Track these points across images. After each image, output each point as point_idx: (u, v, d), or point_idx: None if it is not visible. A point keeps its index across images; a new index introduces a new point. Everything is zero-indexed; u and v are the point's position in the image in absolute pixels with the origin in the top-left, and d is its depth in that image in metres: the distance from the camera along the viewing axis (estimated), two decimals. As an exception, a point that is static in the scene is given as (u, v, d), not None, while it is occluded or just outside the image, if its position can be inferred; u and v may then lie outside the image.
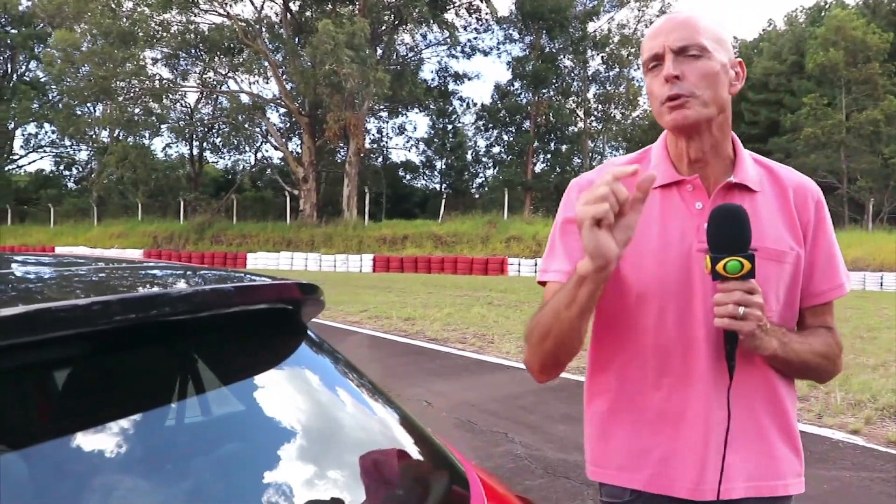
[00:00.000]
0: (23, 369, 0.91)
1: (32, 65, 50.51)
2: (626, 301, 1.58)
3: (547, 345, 1.53)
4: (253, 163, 47.69)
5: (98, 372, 1.02)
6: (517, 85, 44.46)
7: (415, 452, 1.27)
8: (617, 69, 42.63)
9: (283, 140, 42.71)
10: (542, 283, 1.68)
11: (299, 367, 1.25)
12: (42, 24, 46.39)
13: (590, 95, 44.85)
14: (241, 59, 40.50)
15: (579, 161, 43.11)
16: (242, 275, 1.32)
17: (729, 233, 1.41)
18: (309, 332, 1.32)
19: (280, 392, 1.20)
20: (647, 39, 1.56)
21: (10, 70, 50.14)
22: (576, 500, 4.17)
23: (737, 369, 1.49)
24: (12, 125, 48.28)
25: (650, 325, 1.56)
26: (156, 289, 1.16)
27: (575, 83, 44.41)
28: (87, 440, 0.93)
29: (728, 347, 1.46)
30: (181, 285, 1.18)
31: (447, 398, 6.75)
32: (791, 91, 44.22)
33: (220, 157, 49.90)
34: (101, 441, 0.93)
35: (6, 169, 49.01)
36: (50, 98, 48.45)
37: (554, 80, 43.26)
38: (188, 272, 1.37)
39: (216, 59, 40.95)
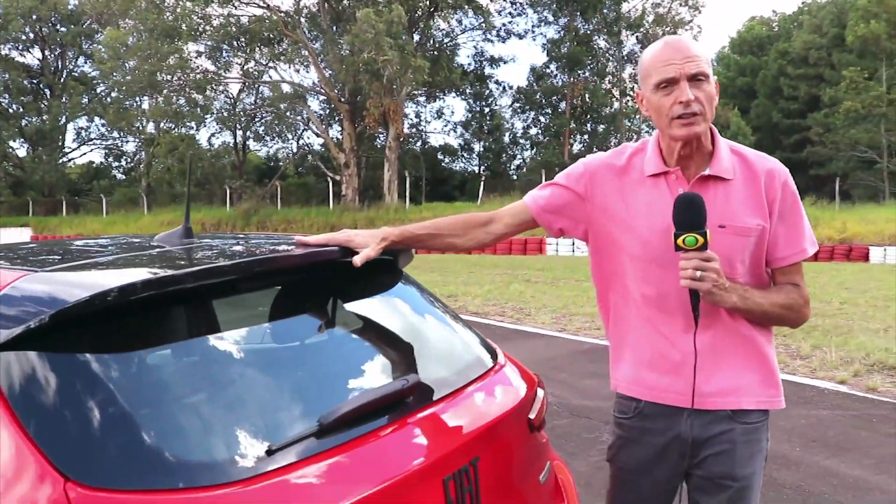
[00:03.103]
0: (215, 296, 1.70)
1: (81, 61, 52.05)
2: (620, 262, 2.02)
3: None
4: (295, 150, 48.81)
5: (288, 298, 1.93)
6: (553, 67, 44.80)
7: (470, 341, 2.19)
8: (652, 48, 42.77)
9: (324, 127, 43.69)
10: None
11: (397, 297, 2.11)
12: (90, 22, 47.80)
13: (625, 75, 44.99)
14: (281, 49, 41.45)
15: (616, 141, 43.40)
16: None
17: (687, 215, 1.79)
18: (403, 274, 2.19)
19: (385, 311, 2.11)
20: (659, 64, 1.86)
21: (60, 67, 51.67)
22: (594, 433, 5.09)
23: (706, 317, 1.89)
24: (64, 120, 49.84)
25: (638, 282, 1.98)
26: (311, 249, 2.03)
27: (610, 63, 44.64)
28: (253, 344, 1.85)
29: (693, 302, 1.85)
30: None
31: (488, 361, 7.67)
32: (831, 65, 43.73)
33: (264, 145, 51.10)
34: (269, 343, 1.85)
35: (59, 162, 50.73)
36: (98, 93, 50.00)
37: (589, 62, 43.50)
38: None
39: (257, 49, 41.97)
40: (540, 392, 2.18)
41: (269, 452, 1.36)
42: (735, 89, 49.96)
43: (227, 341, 1.64)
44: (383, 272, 2.10)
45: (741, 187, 1.93)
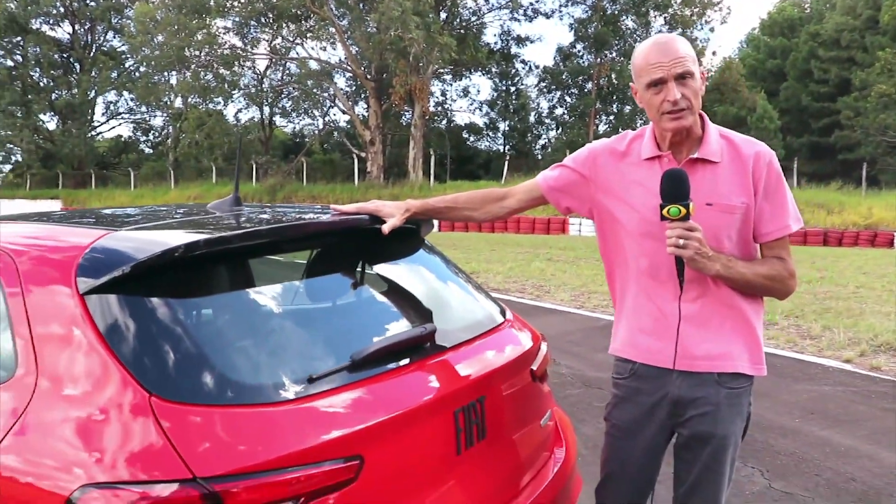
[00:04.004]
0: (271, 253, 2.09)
1: (110, 35, 52.52)
2: (619, 237, 2.23)
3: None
4: (321, 126, 49.12)
5: (326, 258, 2.22)
6: (579, 47, 44.68)
7: (482, 300, 2.47)
8: (680, 29, 42.35)
9: (350, 104, 43.95)
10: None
11: (419, 260, 2.40)
12: (120, -4, 48.39)
13: (653, 56, 44.68)
14: (308, 26, 41.63)
15: (642, 122, 43.22)
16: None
17: (671, 188, 1.97)
18: (425, 241, 2.48)
19: (408, 272, 2.39)
20: (647, 66, 2.05)
21: (90, 41, 52.17)
22: (604, 402, 5.37)
23: (697, 286, 2.09)
24: (93, 94, 50.43)
25: (635, 254, 2.19)
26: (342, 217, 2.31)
27: (638, 43, 44.36)
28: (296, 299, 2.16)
29: (678, 268, 2.05)
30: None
31: (506, 335, 7.97)
32: (864, 47, 43.02)
33: (290, 122, 51.47)
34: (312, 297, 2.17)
35: (88, 135, 51.44)
36: (127, 67, 50.55)
37: (616, 42, 43.27)
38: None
39: (284, 26, 42.19)
40: (543, 347, 2.45)
41: (311, 380, 1.66)
42: (764, 71, 49.44)
43: (275, 291, 1.95)
44: (407, 239, 2.39)
45: (728, 169, 2.11)
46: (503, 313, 2.44)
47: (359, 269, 2.21)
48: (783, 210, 2.13)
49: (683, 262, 2.04)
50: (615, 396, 2.34)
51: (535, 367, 2.32)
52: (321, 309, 2.07)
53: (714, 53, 63.19)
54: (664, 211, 1.99)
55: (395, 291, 2.23)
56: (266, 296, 1.93)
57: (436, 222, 2.62)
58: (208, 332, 1.72)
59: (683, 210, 1.97)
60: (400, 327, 2.02)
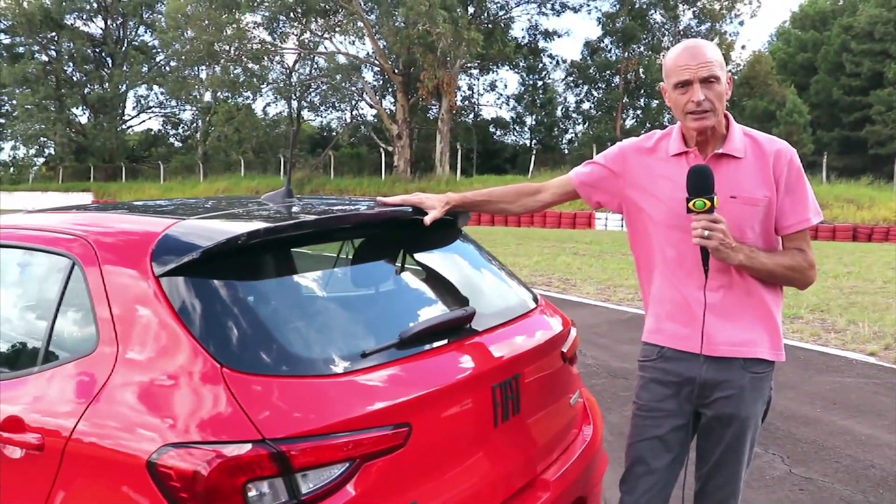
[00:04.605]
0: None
1: (141, 30, 53.20)
2: (648, 230, 2.35)
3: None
4: (348, 120, 49.41)
5: (372, 246, 2.40)
6: (607, 41, 44.52)
7: (515, 287, 2.64)
8: (709, 23, 42.13)
9: (378, 98, 44.21)
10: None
11: (457, 249, 2.57)
12: (151, -9, 49.00)
13: (681, 50, 44.38)
14: (336, 21, 41.91)
15: (669, 116, 43.00)
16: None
17: (696, 183, 2.10)
18: (462, 232, 2.66)
19: (448, 260, 2.56)
20: (676, 68, 2.20)
21: (121, 36, 52.84)
22: (629, 392, 5.50)
23: (721, 275, 2.20)
24: (124, 88, 51.12)
25: (662, 245, 2.30)
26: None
27: (666, 38, 44.09)
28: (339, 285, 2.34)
29: (703, 257, 2.16)
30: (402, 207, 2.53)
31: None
32: (898, 40, 42.52)
33: (318, 116, 51.84)
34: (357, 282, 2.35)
35: (119, 129, 52.18)
36: (157, 62, 51.21)
37: (644, 36, 43.08)
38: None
39: (313, 20, 42.51)
40: (573, 331, 2.61)
41: (364, 355, 1.84)
42: (795, 65, 48.86)
43: (326, 276, 2.13)
44: (446, 230, 2.57)
45: (751, 164, 2.23)
46: (535, 300, 2.61)
47: (402, 256, 2.39)
48: (804, 204, 2.24)
49: (708, 252, 2.15)
50: (641, 378, 2.43)
51: (565, 350, 2.48)
52: (370, 292, 2.26)
53: (743, 47, 62.73)
54: (690, 204, 2.11)
55: (437, 277, 2.40)
56: (319, 280, 2.11)
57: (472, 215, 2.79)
58: (270, 311, 1.90)
59: (708, 203, 2.09)
60: (441, 310, 2.19)
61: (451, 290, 2.37)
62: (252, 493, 1.60)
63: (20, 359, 2.21)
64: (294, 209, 2.39)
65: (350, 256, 2.34)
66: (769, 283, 2.28)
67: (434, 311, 2.19)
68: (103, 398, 1.81)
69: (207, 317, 1.80)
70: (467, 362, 2.04)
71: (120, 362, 1.83)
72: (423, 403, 1.84)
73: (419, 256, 2.46)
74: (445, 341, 2.03)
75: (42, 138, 50.64)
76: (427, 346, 1.97)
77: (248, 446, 1.60)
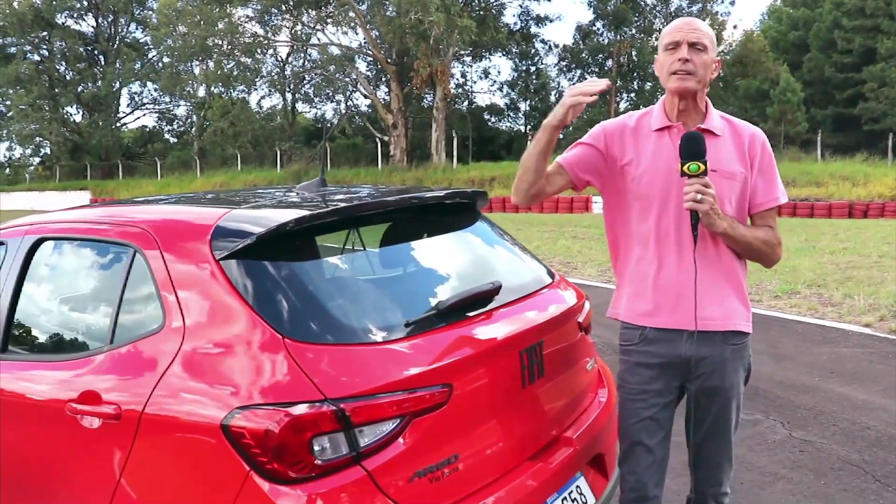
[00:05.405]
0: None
1: (133, 27, 53.12)
2: (627, 205, 2.40)
3: (520, 173, 2.43)
4: (343, 111, 49.46)
5: (403, 228, 2.61)
6: (599, 25, 44.59)
7: (533, 263, 2.86)
8: (700, 4, 42.18)
9: (372, 88, 44.28)
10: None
11: (478, 230, 2.78)
12: (142, -13, 48.96)
13: (673, 31, 44.46)
14: (328, 12, 41.91)
15: (662, 95, 43.12)
16: (445, 188, 2.94)
17: (690, 147, 2.17)
18: (480, 214, 2.87)
19: (472, 239, 2.76)
20: (670, 31, 2.30)
21: (113, 33, 52.76)
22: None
23: (700, 244, 2.24)
24: (118, 85, 51.10)
25: (645, 216, 2.35)
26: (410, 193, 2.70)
27: (657, 20, 44.17)
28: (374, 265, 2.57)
29: (693, 222, 2.22)
30: (429, 193, 2.74)
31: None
32: (890, 15, 42.28)
33: (313, 107, 51.88)
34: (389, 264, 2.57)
35: (114, 126, 52.22)
36: (150, 58, 51.18)
37: (636, 19, 43.19)
38: (414, 190, 3.01)
39: (305, 12, 42.49)
40: (587, 304, 2.83)
41: (406, 325, 2.06)
42: (787, 43, 48.97)
43: (364, 256, 2.36)
44: (467, 212, 2.79)
45: (729, 142, 2.36)
46: (551, 275, 2.83)
47: (434, 237, 2.62)
48: (773, 184, 2.40)
49: (698, 217, 2.22)
50: (626, 363, 2.47)
51: (581, 320, 2.70)
52: (405, 270, 2.51)
53: (735, 27, 62.71)
54: (684, 167, 2.18)
55: (464, 255, 2.64)
56: (359, 260, 2.34)
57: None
58: (319, 287, 2.13)
59: (702, 167, 2.17)
60: (471, 284, 2.39)
61: (478, 267, 2.60)
62: (317, 447, 1.82)
63: (92, 339, 2.42)
64: (330, 197, 2.60)
65: (380, 239, 2.57)
66: (740, 258, 2.39)
67: (464, 285, 2.41)
68: (174, 369, 2.03)
69: (265, 294, 2.02)
70: (497, 330, 2.26)
71: (188, 337, 2.04)
72: (461, 366, 2.06)
73: (447, 237, 2.68)
74: (477, 312, 2.25)
75: (37, 138, 50.65)
76: (462, 316, 2.20)
77: (312, 405, 1.82)
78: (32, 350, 2.69)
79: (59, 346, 2.59)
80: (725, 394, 2.40)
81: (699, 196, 2.18)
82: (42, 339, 2.71)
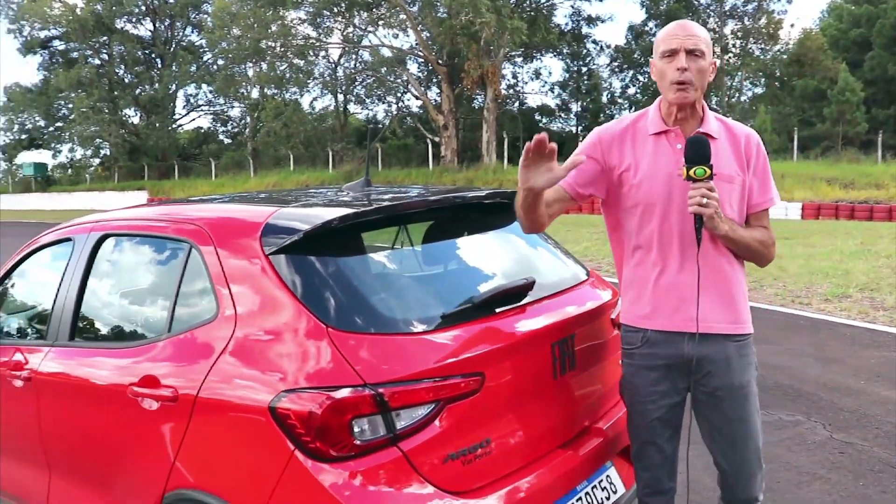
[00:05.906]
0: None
1: (189, 30, 54.34)
2: (630, 208, 2.38)
3: (517, 213, 2.37)
4: (394, 112, 49.83)
5: (443, 226, 2.74)
6: (651, 25, 44.12)
7: (568, 261, 2.95)
8: (756, 2, 41.48)
9: (423, 89, 44.55)
10: None
11: (515, 231, 2.88)
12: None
13: (727, 31, 43.83)
14: (379, 14, 42.31)
15: (716, 98, 42.57)
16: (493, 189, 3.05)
17: (697, 151, 2.18)
18: None
19: (509, 237, 2.86)
20: (666, 38, 2.29)
21: (170, 36, 54.05)
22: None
23: (702, 249, 2.24)
24: (174, 87, 52.37)
25: (646, 221, 2.34)
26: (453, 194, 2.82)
27: (711, 19, 43.56)
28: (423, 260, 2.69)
29: (696, 226, 2.21)
30: (469, 193, 2.86)
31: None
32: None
33: (365, 109, 52.40)
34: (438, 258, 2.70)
35: (171, 128, 53.52)
36: (205, 61, 52.30)
37: (689, 17, 42.66)
38: (456, 190, 3.13)
39: (356, 14, 42.97)
40: (620, 301, 2.91)
41: (442, 317, 2.18)
42: (847, 41, 47.68)
43: (405, 253, 2.49)
44: (505, 212, 2.89)
45: (725, 145, 2.36)
46: (587, 273, 2.93)
47: (473, 235, 2.74)
48: (768, 186, 2.42)
49: (702, 221, 2.22)
50: (629, 366, 2.47)
51: (613, 316, 2.79)
52: (444, 265, 2.64)
53: (792, 25, 61.28)
54: (691, 172, 2.18)
55: (502, 252, 2.76)
56: (400, 256, 2.47)
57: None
58: (362, 280, 2.26)
59: (708, 171, 2.17)
60: (507, 278, 2.51)
61: (513, 263, 2.72)
62: (357, 429, 1.95)
63: (151, 329, 2.60)
64: (373, 197, 2.74)
65: (423, 236, 2.69)
66: (740, 260, 2.40)
67: (499, 280, 2.52)
68: (227, 356, 2.19)
69: (311, 286, 2.16)
70: (529, 323, 2.37)
71: (239, 326, 2.20)
72: (494, 356, 2.18)
73: (485, 235, 2.80)
74: (510, 305, 2.36)
75: (97, 139, 52.12)
76: (497, 309, 2.31)
77: (352, 389, 1.95)
78: (97, 339, 2.89)
79: (121, 335, 2.77)
80: (737, 393, 2.37)
81: (704, 200, 2.18)
82: (105, 328, 2.90)
